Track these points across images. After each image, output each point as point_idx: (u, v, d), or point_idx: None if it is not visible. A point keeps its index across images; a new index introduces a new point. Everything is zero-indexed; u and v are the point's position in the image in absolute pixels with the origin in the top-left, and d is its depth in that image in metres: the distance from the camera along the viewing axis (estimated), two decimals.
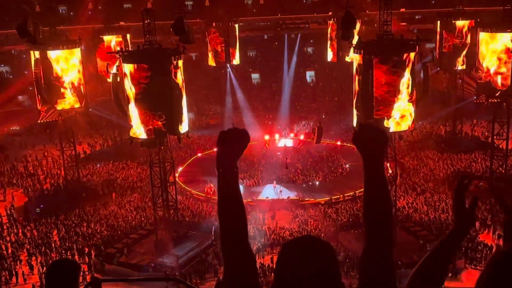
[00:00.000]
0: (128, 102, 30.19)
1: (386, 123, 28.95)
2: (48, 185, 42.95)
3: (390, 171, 33.37)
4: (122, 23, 52.94)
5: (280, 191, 39.12)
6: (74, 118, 41.64)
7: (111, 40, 46.62)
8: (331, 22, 53.94)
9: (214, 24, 52.28)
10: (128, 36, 47.52)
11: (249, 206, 36.12)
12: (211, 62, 53.43)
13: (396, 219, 32.29)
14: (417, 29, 58.75)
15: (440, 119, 52.36)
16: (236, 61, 53.79)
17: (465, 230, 2.82)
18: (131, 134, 30.85)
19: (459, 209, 2.83)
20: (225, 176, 2.72)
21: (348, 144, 48.26)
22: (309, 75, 67.28)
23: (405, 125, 29.96)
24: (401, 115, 29.31)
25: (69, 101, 38.67)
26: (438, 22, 45.83)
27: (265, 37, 70.66)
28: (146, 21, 30.24)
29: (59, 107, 38.39)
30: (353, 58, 31.38)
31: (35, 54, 37.32)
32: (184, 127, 31.04)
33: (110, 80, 35.05)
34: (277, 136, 51.18)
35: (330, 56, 54.32)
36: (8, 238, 34.04)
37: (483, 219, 32.53)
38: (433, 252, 2.78)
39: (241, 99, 58.63)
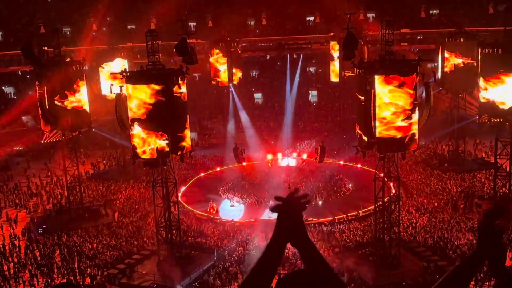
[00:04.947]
0: (132, 122, 30.31)
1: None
2: (51, 205, 42.90)
3: (394, 191, 33.26)
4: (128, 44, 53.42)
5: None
6: (77, 138, 41.80)
7: None
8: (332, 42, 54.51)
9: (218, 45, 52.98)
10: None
11: (251, 225, 36.18)
12: (214, 82, 54.01)
13: (400, 239, 32.07)
14: (418, 49, 59.05)
15: (442, 138, 52.36)
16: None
17: (486, 255, 2.79)
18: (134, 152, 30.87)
19: (486, 236, 2.80)
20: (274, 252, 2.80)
21: (351, 164, 48.24)
22: (312, 94, 67.48)
23: (408, 144, 29.93)
24: (404, 135, 29.30)
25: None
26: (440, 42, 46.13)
27: (268, 57, 71.05)
28: (149, 42, 30.49)
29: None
30: (355, 77, 31.49)
31: None
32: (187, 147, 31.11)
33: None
34: (280, 155, 51.14)
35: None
36: (10, 259, 33.91)
37: None
38: (451, 275, 2.78)
39: (244, 118, 58.78)
